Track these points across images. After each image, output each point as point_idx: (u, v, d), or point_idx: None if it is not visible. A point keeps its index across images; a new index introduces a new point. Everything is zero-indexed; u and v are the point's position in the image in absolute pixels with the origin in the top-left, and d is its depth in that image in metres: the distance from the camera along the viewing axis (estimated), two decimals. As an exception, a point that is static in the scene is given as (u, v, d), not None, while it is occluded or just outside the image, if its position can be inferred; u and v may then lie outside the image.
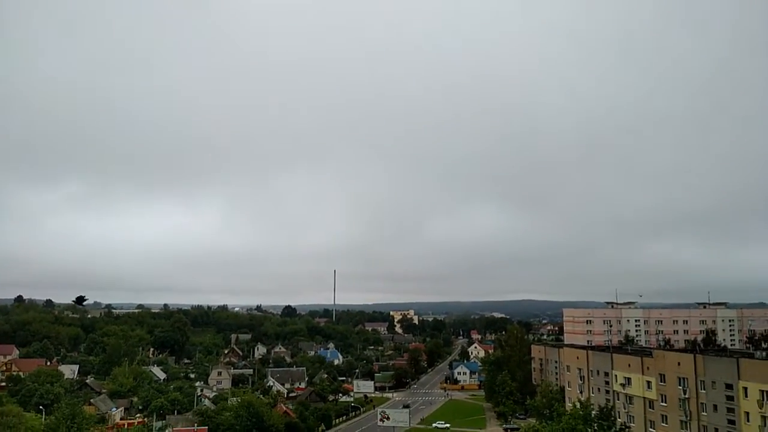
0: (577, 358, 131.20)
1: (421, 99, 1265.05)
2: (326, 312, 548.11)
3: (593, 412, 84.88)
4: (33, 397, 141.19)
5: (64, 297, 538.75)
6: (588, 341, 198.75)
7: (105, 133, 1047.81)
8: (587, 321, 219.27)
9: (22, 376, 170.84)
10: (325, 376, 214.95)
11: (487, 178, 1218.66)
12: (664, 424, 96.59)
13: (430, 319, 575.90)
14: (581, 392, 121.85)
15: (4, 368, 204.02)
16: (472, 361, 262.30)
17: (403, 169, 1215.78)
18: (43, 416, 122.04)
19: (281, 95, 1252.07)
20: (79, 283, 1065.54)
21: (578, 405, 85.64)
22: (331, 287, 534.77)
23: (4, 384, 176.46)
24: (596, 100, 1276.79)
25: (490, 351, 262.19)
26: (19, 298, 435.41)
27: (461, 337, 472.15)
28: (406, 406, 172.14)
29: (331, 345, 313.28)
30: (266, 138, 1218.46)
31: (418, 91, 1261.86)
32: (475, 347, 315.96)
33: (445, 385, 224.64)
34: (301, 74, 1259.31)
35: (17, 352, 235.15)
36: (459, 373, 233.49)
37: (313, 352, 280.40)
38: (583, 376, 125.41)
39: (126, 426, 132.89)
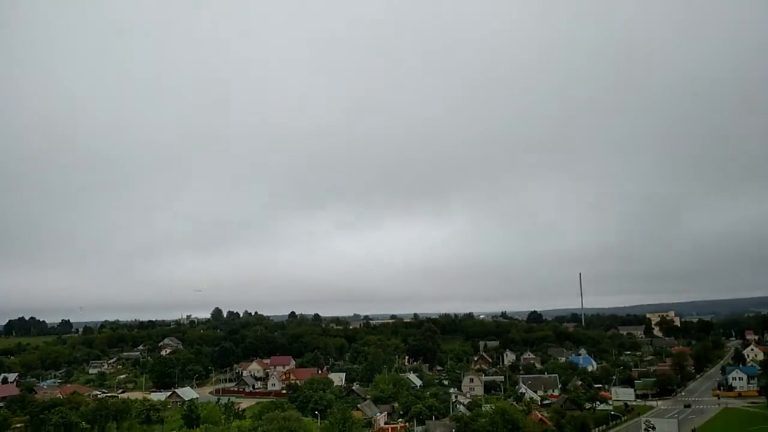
0: None
1: (666, 86, 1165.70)
2: (574, 317, 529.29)
3: None
4: (309, 403, 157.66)
5: (329, 311, 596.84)
6: None
7: (366, 162, 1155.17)
8: None
9: (299, 384, 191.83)
10: (579, 383, 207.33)
11: (751, 158, 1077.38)
12: None
13: (695, 320, 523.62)
14: None
15: (284, 377, 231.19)
16: (750, 364, 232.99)
17: (653, 161, 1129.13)
18: (319, 420, 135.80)
19: (520, 102, 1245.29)
20: (341, 298, 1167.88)
21: None
22: (578, 292, 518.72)
23: (284, 391, 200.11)
24: None
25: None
26: (292, 314, 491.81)
27: (733, 339, 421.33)
28: (687, 406, 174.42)
29: (582, 351, 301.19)
30: (508, 146, 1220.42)
31: (657, 76, 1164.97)
32: (752, 349, 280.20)
33: (717, 392, 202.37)
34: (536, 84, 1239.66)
35: (293, 362, 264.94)
36: (734, 379, 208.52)
37: (563, 359, 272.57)
38: None
39: (389, 430, 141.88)
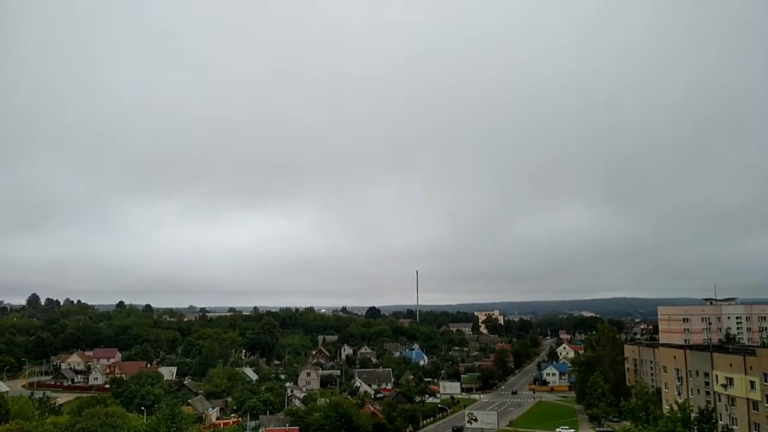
0: (674, 357, 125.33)
1: (503, 101, 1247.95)
2: (410, 313, 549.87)
3: (693, 415, 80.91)
4: (135, 398, 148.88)
5: (163, 302, 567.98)
6: (685, 340, 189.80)
7: (214, 150, 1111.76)
8: (684, 319, 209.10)
9: (125, 378, 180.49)
10: (411, 377, 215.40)
11: (576, 174, 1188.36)
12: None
13: (516, 319, 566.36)
14: (679, 394, 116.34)
15: (108, 371, 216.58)
16: (562, 361, 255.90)
17: (488, 169, 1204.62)
18: (145, 416, 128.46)
19: (366, 108, 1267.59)
20: (176, 289, 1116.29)
21: (676, 407, 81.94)
22: (414, 288, 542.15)
23: (108, 386, 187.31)
24: (684, 92, 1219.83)
25: (580, 351, 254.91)
26: (121, 304, 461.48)
27: (549, 338, 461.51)
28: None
29: (415, 346, 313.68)
30: (358, 149, 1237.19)
31: (499, 93, 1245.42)
32: (564, 347, 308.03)
33: (533, 386, 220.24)
34: (383, 88, 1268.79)
35: (120, 355, 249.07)
36: (548, 374, 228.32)
37: (398, 353, 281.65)
38: (681, 377, 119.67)
39: (221, 426, 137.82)
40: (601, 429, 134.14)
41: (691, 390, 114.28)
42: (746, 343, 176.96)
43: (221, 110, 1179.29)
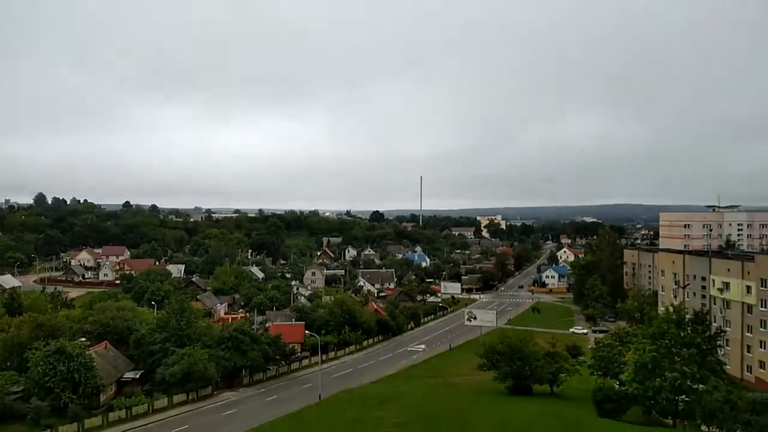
0: (673, 262, 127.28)
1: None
2: (413, 217, 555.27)
3: (687, 316, 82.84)
4: (145, 294, 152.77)
5: (168, 203, 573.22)
6: (685, 246, 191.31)
7: (228, 55, 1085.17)
8: (685, 225, 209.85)
9: (134, 275, 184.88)
10: (413, 277, 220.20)
11: (583, 83, 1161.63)
12: (762, 329, 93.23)
13: (519, 224, 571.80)
14: (675, 297, 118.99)
15: (118, 268, 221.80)
16: (561, 265, 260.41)
17: (499, 75, 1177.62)
18: (155, 310, 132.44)
19: (378, 10, 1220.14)
20: (181, 190, 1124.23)
21: (671, 309, 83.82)
22: (418, 195, 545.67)
23: (118, 282, 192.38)
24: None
25: (580, 255, 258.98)
26: (127, 204, 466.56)
27: (550, 242, 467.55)
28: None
29: (418, 248, 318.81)
30: (366, 50, 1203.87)
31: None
32: (564, 251, 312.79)
33: (532, 287, 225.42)
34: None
35: (128, 253, 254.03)
36: (547, 277, 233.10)
37: (401, 255, 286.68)
38: (678, 281, 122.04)
39: (230, 320, 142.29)
40: (596, 328, 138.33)
41: (688, 293, 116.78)
42: (746, 250, 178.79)
43: (231, 10, 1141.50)
